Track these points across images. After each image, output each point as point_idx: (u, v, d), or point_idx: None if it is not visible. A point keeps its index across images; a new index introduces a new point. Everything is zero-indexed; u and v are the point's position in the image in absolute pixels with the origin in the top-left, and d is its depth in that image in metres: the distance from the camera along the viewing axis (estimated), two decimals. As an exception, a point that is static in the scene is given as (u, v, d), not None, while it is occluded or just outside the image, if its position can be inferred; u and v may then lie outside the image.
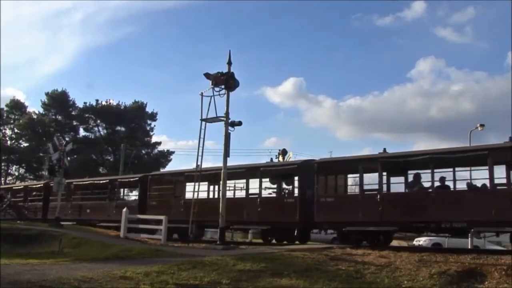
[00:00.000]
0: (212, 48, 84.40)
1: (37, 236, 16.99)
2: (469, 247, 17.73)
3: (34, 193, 28.39)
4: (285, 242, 17.28)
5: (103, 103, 50.68)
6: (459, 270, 9.54)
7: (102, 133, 51.76)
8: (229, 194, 17.77)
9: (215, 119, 15.28)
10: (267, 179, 18.25)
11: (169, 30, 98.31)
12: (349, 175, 17.52)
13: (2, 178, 48.02)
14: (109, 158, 51.77)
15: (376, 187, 14.79)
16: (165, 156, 51.76)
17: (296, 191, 16.87)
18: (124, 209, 17.33)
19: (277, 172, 18.13)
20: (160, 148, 52.90)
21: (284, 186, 18.85)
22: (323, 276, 9.20)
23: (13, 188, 31.60)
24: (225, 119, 14.97)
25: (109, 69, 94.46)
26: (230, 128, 14.98)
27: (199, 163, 16.09)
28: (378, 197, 14.27)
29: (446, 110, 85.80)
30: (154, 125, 53.39)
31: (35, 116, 49.80)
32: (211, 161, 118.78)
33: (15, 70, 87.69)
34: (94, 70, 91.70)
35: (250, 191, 17.83)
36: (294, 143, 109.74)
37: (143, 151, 51.20)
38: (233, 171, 17.32)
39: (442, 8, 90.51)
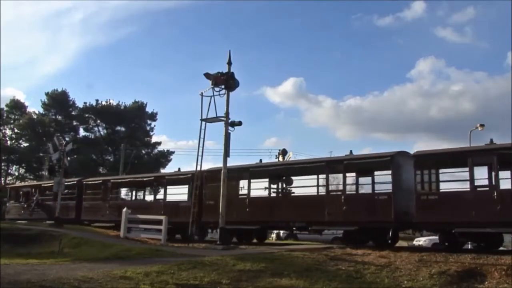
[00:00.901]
0: (212, 48, 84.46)
1: (37, 236, 16.99)
2: (469, 247, 17.72)
3: (65, 191, 25.64)
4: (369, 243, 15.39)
5: (103, 103, 50.65)
6: (459, 270, 9.54)
7: (102, 133, 51.74)
8: (304, 191, 16.91)
9: (215, 119, 15.29)
10: (353, 174, 16.09)
11: (169, 30, 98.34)
12: (453, 169, 15.22)
13: (2, 178, 48.02)
14: (109, 158, 51.72)
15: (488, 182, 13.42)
16: (165, 156, 51.71)
17: (390, 186, 14.49)
18: (124, 209, 17.31)
19: (366, 165, 15.73)
20: (160, 148, 52.92)
21: (371, 181, 16.22)
22: (323, 276, 9.20)
23: (42, 185, 28.27)
24: (225, 119, 14.98)
25: (109, 69, 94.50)
26: (230, 128, 14.99)
27: (199, 163, 16.09)
28: (495, 194, 12.48)
29: (446, 110, 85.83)
30: (154, 125, 53.39)
31: (35, 116, 49.75)
32: (211, 161, 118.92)
33: (15, 70, 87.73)
34: (94, 70, 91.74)
35: (330, 187, 16.34)
36: (294, 143, 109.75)
37: (143, 151, 51.15)
38: (308, 166, 16.59)
39: (442, 8, 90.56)
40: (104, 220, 22.29)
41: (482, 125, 28.06)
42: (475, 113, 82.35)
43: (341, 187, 15.93)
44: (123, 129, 51.08)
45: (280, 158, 34.58)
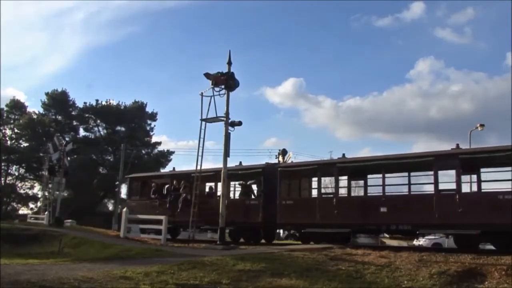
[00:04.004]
0: (212, 48, 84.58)
1: (37, 236, 17.00)
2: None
3: (246, 183, 19.49)
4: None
5: (103, 103, 50.68)
6: (459, 270, 9.53)
7: (102, 133, 51.75)
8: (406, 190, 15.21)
9: (215, 119, 15.30)
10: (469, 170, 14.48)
11: (170, 30, 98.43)
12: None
13: (2, 178, 48.01)
14: (109, 158, 51.74)
15: None
16: (165, 156, 51.73)
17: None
18: (124, 209, 17.32)
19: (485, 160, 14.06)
20: (160, 148, 52.93)
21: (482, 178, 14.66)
22: (323, 276, 9.19)
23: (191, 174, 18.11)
24: (225, 119, 14.98)
25: (109, 69, 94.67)
26: (230, 128, 14.99)
27: (199, 163, 16.06)
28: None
29: (446, 111, 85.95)
30: (154, 125, 53.45)
31: (35, 116, 49.75)
32: (211, 161, 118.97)
33: (16, 70, 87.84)
34: (94, 70, 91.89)
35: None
36: (294, 143, 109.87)
37: (143, 151, 51.16)
38: (414, 161, 14.78)
39: (441, 9, 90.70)
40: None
41: (482, 125, 28.08)
42: (475, 114, 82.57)
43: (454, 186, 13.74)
44: (123, 129, 51.10)
45: (280, 158, 34.60)
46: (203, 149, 15.95)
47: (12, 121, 50.60)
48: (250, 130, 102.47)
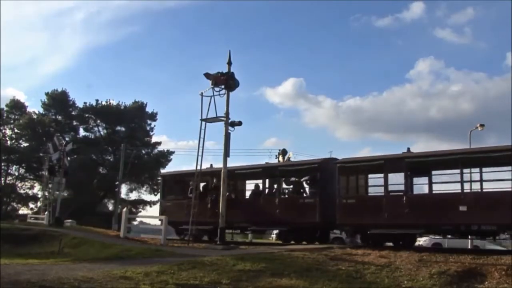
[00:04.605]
0: (212, 48, 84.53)
1: (37, 236, 17.00)
2: (469, 247, 17.73)
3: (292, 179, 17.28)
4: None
5: (103, 103, 50.62)
6: (459, 270, 9.54)
7: (102, 133, 51.69)
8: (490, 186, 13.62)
9: (215, 119, 15.29)
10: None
11: (170, 30, 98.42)
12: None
13: (2, 178, 47.99)
14: (109, 158, 51.68)
15: None
16: (165, 156, 51.68)
17: None
18: (124, 209, 17.30)
19: None
20: (160, 148, 52.89)
21: None
22: (323, 276, 9.19)
23: (235, 172, 17.45)
24: (225, 119, 14.97)
25: (109, 69, 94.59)
26: (230, 128, 14.99)
27: (199, 163, 16.02)
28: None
29: (446, 111, 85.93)
30: (154, 125, 53.33)
31: (35, 116, 49.69)
32: (211, 161, 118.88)
33: (16, 70, 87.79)
34: (94, 70, 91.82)
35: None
36: (293, 143, 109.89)
37: (143, 151, 51.12)
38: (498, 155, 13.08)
39: (441, 9, 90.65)
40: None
41: (482, 125, 28.00)
42: (475, 114, 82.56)
43: None
44: (123, 129, 51.04)
45: (280, 159, 34.56)
46: (203, 149, 15.90)
47: (12, 121, 50.55)
48: (250, 130, 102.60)
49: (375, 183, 15.48)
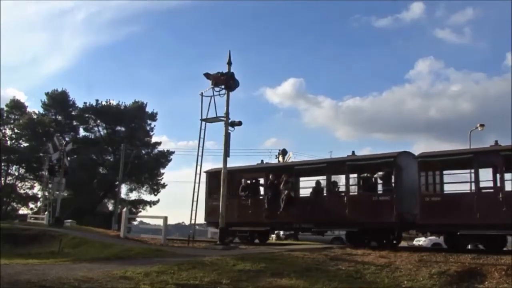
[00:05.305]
0: (212, 48, 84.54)
1: (37, 236, 17.02)
2: (469, 247, 17.69)
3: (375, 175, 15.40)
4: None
5: (103, 103, 50.64)
6: (459, 270, 9.54)
7: (102, 133, 51.69)
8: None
9: (215, 119, 15.29)
10: None
11: (170, 30, 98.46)
12: None
13: (2, 178, 47.99)
14: (109, 158, 51.69)
15: None
16: (165, 156, 51.72)
17: None
18: (124, 209, 17.30)
19: None
20: (160, 148, 52.91)
21: None
22: (323, 276, 9.20)
23: (294, 167, 17.02)
24: (225, 119, 14.97)
25: (109, 69, 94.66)
26: (230, 128, 14.99)
27: (199, 163, 16.00)
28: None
29: (445, 111, 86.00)
30: (154, 125, 53.34)
31: (35, 116, 49.71)
32: (211, 162, 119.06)
33: (16, 70, 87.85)
34: (95, 70, 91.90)
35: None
36: (293, 143, 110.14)
37: (143, 151, 51.14)
38: None
39: (441, 9, 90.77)
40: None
41: (482, 125, 28.01)
42: (474, 114, 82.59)
43: None
44: (123, 129, 51.05)
45: (280, 159, 34.61)
46: (203, 149, 15.88)
47: (12, 121, 50.56)
48: (250, 130, 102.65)
49: (461, 179, 14.13)
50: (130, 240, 16.23)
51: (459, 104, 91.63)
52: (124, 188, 48.52)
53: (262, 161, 18.98)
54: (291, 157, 34.65)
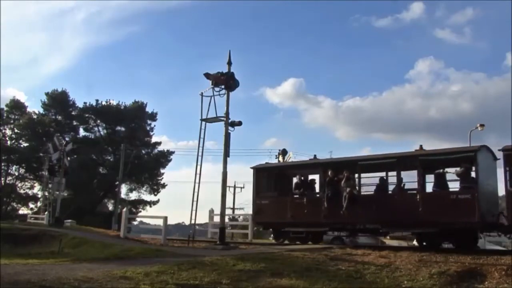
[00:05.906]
0: (212, 48, 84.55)
1: (37, 236, 17.03)
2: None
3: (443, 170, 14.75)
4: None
5: (103, 103, 50.68)
6: (459, 270, 9.53)
7: (102, 133, 51.72)
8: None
9: (215, 119, 15.29)
10: None
11: (170, 30, 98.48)
12: None
13: (2, 178, 48.00)
14: (109, 158, 51.73)
15: None
16: (165, 156, 51.76)
17: None
18: (124, 209, 17.32)
19: None
20: (160, 148, 52.94)
21: None
22: (323, 276, 9.19)
23: (358, 162, 15.36)
24: (225, 119, 14.97)
25: (110, 69, 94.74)
26: (230, 128, 14.99)
27: (199, 163, 15.98)
28: None
29: (445, 111, 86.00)
30: (154, 125, 53.41)
31: (35, 116, 49.75)
32: (211, 162, 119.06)
33: (16, 70, 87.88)
34: (95, 70, 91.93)
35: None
36: (293, 143, 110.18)
37: (143, 151, 51.17)
38: None
39: (441, 9, 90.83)
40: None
41: (482, 125, 28.00)
42: (474, 114, 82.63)
43: None
44: (123, 129, 51.09)
45: (280, 159, 34.55)
46: (203, 149, 15.87)
47: (12, 121, 50.58)
48: (250, 130, 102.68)
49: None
50: (130, 240, 16.24)
51: (459, 104, 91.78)
52: (124, 188, 48.60)
53: (315, 156, 17.70)
54: (291, 157, 34.60)
